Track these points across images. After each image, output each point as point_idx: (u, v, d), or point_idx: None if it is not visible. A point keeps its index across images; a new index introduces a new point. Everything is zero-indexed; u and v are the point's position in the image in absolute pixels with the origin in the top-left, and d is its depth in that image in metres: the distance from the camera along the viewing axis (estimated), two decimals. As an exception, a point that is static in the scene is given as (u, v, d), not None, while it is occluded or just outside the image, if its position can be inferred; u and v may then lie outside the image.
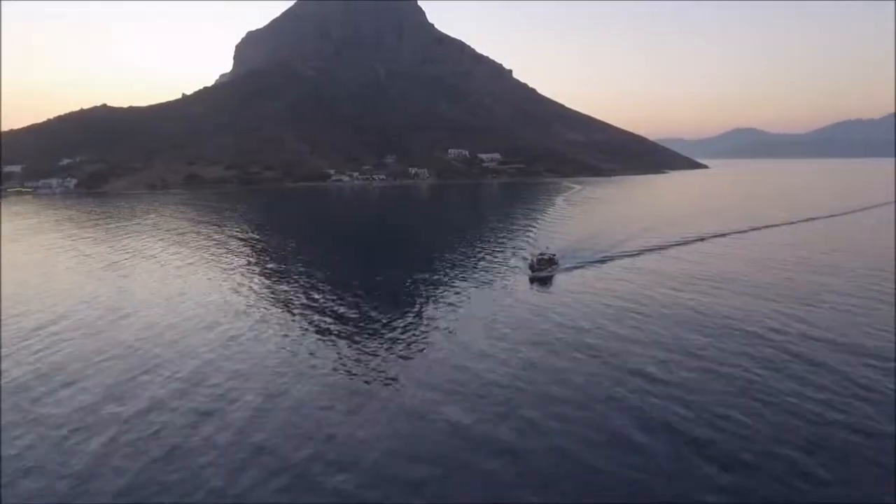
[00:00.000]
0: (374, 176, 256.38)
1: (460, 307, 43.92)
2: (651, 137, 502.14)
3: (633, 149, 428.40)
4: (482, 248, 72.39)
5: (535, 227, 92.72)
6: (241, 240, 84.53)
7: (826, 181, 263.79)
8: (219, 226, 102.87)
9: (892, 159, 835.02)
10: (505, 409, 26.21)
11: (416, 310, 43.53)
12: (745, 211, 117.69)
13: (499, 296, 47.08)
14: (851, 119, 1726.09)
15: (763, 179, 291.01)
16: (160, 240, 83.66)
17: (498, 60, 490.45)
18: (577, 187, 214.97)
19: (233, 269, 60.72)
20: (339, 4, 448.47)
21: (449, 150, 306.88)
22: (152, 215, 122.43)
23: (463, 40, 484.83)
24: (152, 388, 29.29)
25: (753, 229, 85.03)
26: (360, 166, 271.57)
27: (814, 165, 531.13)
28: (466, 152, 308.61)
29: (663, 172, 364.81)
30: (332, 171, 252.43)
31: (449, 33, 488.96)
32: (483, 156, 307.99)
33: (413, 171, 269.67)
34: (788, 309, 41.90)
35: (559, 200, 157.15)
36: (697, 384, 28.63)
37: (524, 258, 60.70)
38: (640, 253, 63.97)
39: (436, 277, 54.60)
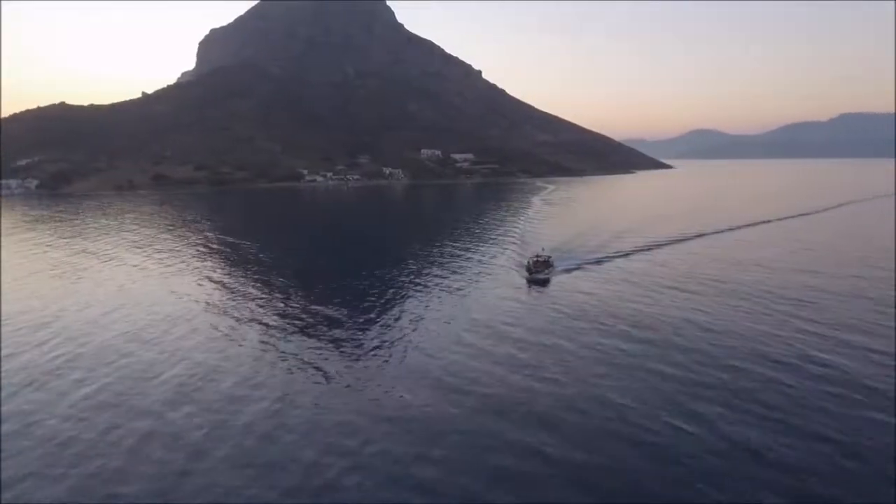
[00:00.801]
0: (349, 176, 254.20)
1: (461, 310, 42.49)
2: (614, 138, 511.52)
3: (601, 149, 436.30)
4: (472, 248, 71.67)
5: (518, 227, 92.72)
6: (218, 242, 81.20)
7: (793, 181, 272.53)
8: (194, 227, 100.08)
9: (840, 160, 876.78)
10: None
11: (416, 313, 41.99)
12: (724, 210, 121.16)
13: (497, 300, 45.36)
14: (801, 121, 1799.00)
15: (730, 180, 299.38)
16: (135, 242, 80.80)
17: (467, 61, 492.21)
18: (551, 187, 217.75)
19: (209, 273, 58.35)
20: (308, 4, 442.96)
21: (422, 151, 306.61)
22: (124, 216, 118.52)
23: (433, 41, 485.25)
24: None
25: (738, 227, 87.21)
26: (334, 166, 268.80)
27: (772, 166, 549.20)
28: (439, 153, 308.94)
29: (631, 172, 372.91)
30: (305, 172, 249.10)
31: (419, 34, 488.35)
32: (456, 156, 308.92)
33: (388, 171, 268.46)
34: (789, 304, 43.04)
35: (536, 200, 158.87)
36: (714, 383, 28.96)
37: (519, 260, 59.96)
38: (632, 252, 64.39)
39: (433, 280, 53.19)
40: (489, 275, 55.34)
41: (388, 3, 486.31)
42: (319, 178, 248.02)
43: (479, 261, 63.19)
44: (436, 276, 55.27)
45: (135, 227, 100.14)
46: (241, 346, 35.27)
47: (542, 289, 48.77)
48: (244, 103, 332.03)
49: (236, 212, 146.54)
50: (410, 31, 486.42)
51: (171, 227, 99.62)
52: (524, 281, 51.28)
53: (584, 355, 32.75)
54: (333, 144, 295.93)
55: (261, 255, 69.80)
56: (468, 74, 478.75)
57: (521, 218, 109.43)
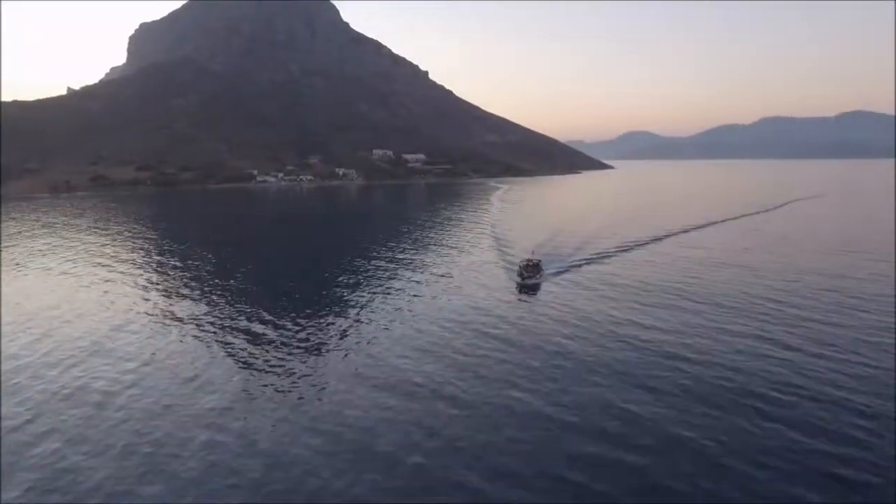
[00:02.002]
0: (302, 177, 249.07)
1: (452, 315, 40.27)
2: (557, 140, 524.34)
3: (547, 150, 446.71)
4: (447, 250, 69.50)
5: (491, 228, 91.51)
6: (165, 247, 76.64)
7: (734, 181, 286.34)
8: (138, 231, 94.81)
9: (763, 161, 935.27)
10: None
11: (412, 319, 39.99)
12: (684, 208, 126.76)
13: (489, 305, 42.89)
14: (727, 124, 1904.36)
15: (671, 179, 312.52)
16: (74, 246, 76.71)
17: (414, 62, 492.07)
18: (506, 187, 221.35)
19: (154, 280, 54.53)
20: (249, 2, 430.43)
21: (374, 151, 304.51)
22: (63, 218, 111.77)
23: (379, 41, 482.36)
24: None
25: (706, 225, 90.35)
26: (284, 167, 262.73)
27: (707, 167, 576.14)
28: (391, 153, 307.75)
29: (578, 172, 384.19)
30: (255, 172, 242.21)
31: (365, 33, 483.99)
32: (408, 156, 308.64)
33: (341, 171, 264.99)
34: (790, 297, 45.04)
35: (495, 200, 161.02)
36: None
37: (507, 264, 57.18)
38: (619, 252, 64.22)
39: (422, 287, 49.99)
40: (480, 279, 52.26)
41: (333, 1, 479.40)
42: (271, 179, 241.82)
43: (458, 261, 61.66)
44: (418, 278, 53.53)
45: (71, 232, 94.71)
46: (181, 355, 33.04)
47: (532, 294, 45.79)
48: (185, 101, 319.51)
49: (186, 214, 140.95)
50: (356, 30, 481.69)
51: (116, 231, 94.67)
52: (514, 285, 48.51)
53: (575, 364, 31.38)
54: (282, 145, 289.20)
55: (214, 262, 64.69)
56: (416, 75, 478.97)
57: (488, 217, 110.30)
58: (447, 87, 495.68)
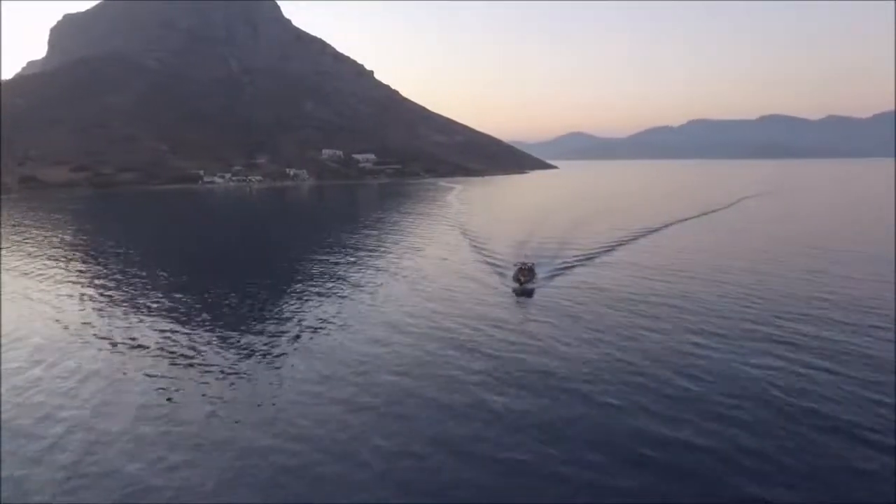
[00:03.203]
0: (251, 177, 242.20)
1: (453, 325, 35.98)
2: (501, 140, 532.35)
3: (494, 150, 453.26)
4: (423, 253, 65.33)
5: (453, 228, 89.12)
6: (106, 251, 70.55)
7: (679, 180, 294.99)
8: (73, 235, 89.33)
9: (694, 161, 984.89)
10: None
11: (409, 329, 35.71)
12: (646, 206, 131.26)
13: (486, 312, 39.34)
14: (659, 126, 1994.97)
15: (620, 178, 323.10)
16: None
17: (359, 61, 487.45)
18: (459, 187, 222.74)
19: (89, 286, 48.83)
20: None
21: (323, 151, 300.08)
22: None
23: (323, 39, 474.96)
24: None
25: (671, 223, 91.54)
26: (231, 167, 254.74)
27: (646, 167, 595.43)
28: (341, 153, 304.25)
29: (525, 172, 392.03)
30: (201, 173, 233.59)
31: (308, 31, 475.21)
32: (358, 156, 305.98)
33: (291, 171, 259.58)
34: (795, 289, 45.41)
35: (452, 199, 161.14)
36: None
37: (495, 269, 53.68)
38: (602, 252, 62.76)
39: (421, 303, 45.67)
40: (472, 286, 48.94)
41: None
42: (219, 180, 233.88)
43: (442, 266, 57.92)
44: (403, 289, 49.15)
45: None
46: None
47: (530, 300, 43.11)
48: (120, 98, 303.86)
49: (128, 216, 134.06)
50: (299, 28, 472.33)
51: (43, 236, 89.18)
52: (508, 290, 45.51)
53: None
54: (227, 144, 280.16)
55: (157, 267, 58.47)
56: (361, 74, 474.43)
57: (458, 218, 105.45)
58: (393, 86, 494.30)
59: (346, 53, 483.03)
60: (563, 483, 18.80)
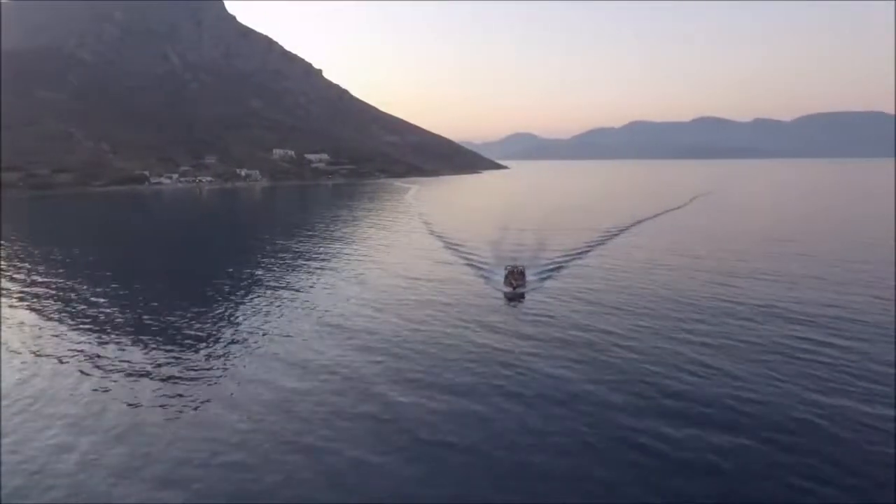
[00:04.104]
0: (201, 178, 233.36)
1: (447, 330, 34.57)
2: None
3: (445, 151, 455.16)
4: (398, 256, 62.92)
5: (426, 227, 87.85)
6: (44, 257, 67.47)
7: (628, 180, 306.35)
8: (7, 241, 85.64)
9: (634, 161, 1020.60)
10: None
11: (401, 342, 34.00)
12: (605, 206, 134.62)
13: (481, 318, 37.69)
14: (599, 127, 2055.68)
15: (571, 178, 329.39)
16: None
17: (307, 59, 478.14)
18: (416, 187, 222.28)
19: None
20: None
21: (274, 151, 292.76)
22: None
23: (270, 36, 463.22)
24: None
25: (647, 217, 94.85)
26: (177, 167, 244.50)
27: (593, 167, 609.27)
28: (293, 153, 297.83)
29: (478, 172, 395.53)
30: (147, 174, 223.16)
31: (255, 28, 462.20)
32: (311, 156, 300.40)
33: (243, 172, 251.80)
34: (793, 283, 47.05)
35: (410, 199, 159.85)
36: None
37: (478, 273, 52.39)
38: (582, 252, 62.52)
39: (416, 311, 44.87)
40: (459, 289, 47.90)
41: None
42: (166, 181, 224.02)
43: (430, 271, 57.42)
44: (386, 299, 48.76)
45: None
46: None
47: (521, 303, 42.08)
48: (53, 94, 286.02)
49: (67, 221, 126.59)
50: (244, 24, 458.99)
51: None
52: (501, 295, 44.21)
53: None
54: (172, 143, 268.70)
55: (100, 274, 54.00)
56: (309, 73, 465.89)
57: (424, 218, 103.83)
58: (343, 86, 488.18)
59: (294, 52, 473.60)
60: (559, 483, 18.97)
